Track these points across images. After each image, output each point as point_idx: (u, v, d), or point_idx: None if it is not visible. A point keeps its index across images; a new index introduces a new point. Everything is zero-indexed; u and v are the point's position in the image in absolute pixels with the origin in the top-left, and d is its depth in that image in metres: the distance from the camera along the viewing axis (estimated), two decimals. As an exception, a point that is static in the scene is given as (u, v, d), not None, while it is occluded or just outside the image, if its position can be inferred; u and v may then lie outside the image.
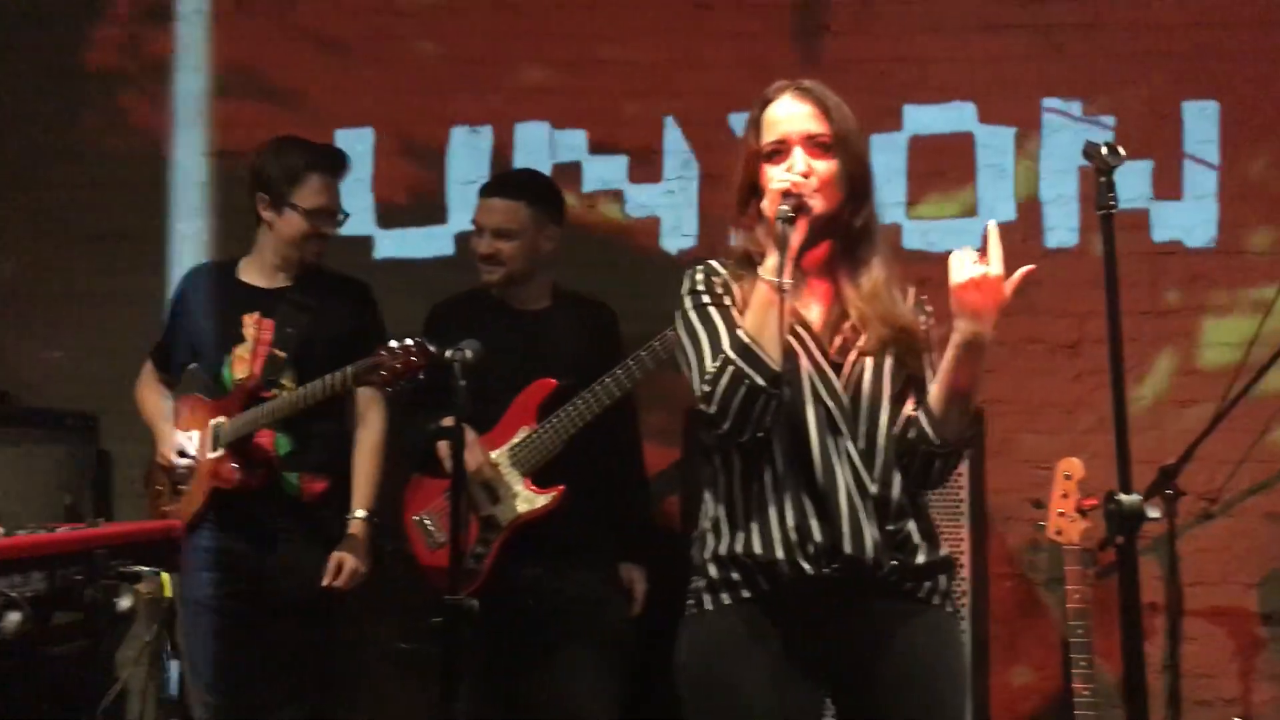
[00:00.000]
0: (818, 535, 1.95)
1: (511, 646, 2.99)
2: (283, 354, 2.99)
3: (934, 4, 3.67)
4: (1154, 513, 1.72)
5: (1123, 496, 1.71)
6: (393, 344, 2.73)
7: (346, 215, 3.15)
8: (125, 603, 2.37)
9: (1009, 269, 1.92)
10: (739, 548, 2.00)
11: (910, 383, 2.04)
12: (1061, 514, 3.07)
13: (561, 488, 2.94)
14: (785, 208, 1.93)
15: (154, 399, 3.21)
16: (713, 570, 2.04)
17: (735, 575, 2.02)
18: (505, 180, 3.15)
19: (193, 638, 2.86)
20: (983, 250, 1.91)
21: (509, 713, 3.02)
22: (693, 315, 2.06)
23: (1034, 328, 3.58)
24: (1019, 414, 3.56)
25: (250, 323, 3.04)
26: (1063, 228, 3.62)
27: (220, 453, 2.98)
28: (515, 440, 2.97)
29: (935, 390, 1.98)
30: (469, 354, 2.12)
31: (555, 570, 2.97)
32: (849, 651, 1.99)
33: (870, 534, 1.96)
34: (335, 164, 3.08)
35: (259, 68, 3.79)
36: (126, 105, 3.82)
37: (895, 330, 2.01)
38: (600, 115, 3.69)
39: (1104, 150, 1.77)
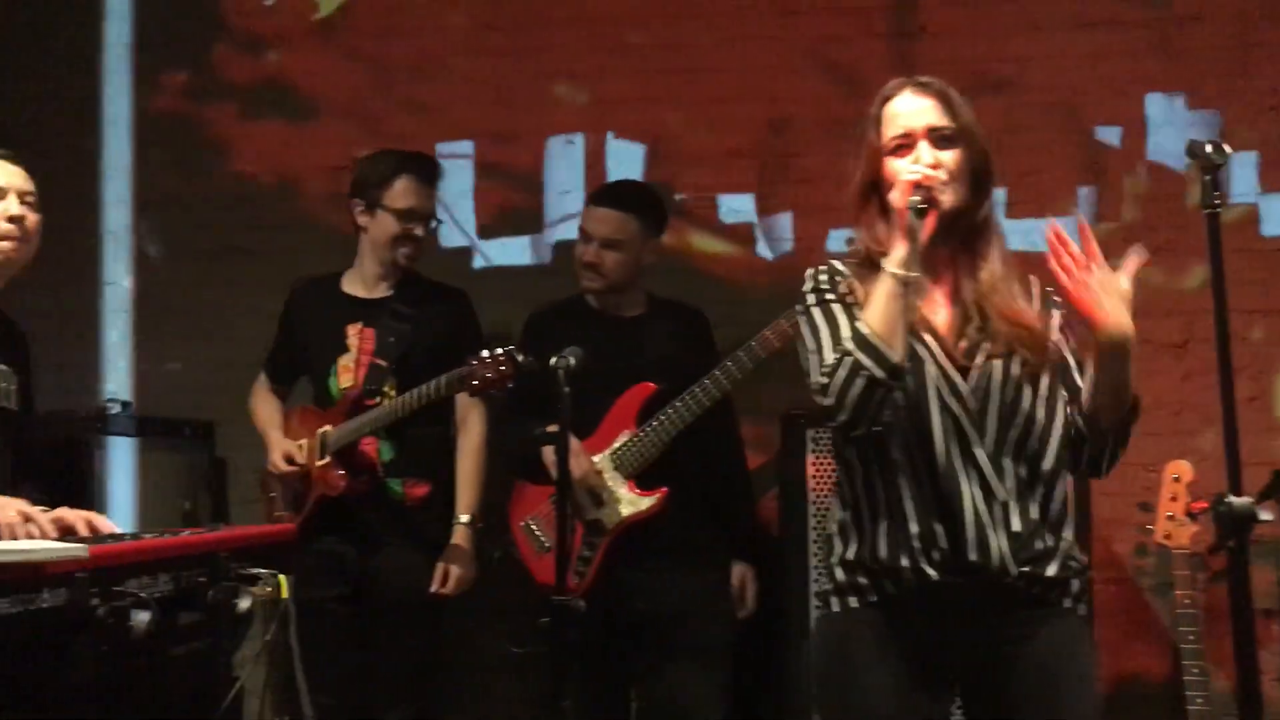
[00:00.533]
0: (943, 542, 1.96)
1: (619, 650, 3.03)
2: (385, 363, 3.07)
3: (1031, 3, 3.63)
4: (1266, 515, 1.68)
5: (1233, 499, 1.68)
6: (484, 354, 2.81)
7: (439, 221, 3.22)
8: (245, 604, 2.44)
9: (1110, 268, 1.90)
10: (865, 552, 2.02)
11: (1037, 380, 2.01)
12: (1170, 518, 3.01)
13: (664, 490, 2.97)
14: (916, 199, 1.94)
15: (266, 409, 3.33)
16: (840, 574, 2.06)
17: (862, 580, 2.03)
18: (616, 191, 3.17)
19: (304, 639, 2.96)
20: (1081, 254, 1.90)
21: (616, 715, 3.05)
22: (814, 311, 2.07)
23: (1141, 328, 3.46)
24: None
25: (353, 333, 3.14)
26: (1167, 225, 3.55)
27: (327, 460, 3.08)
28: (616, 444, 3.01)
29: (1086, 389, 1.98)
30: (572, 361, 2.16)
31: (661, 573, 2.99)
32: (977, 657, 1.99)
33: (997, 541, 1.95)
34: (425, 168, 3.16)
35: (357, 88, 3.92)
36: (249, 131, 3.96)
37: (1018, 328, 2.00)
38: (693, 123, 3.72)
39: (1208, 148, 1.74)
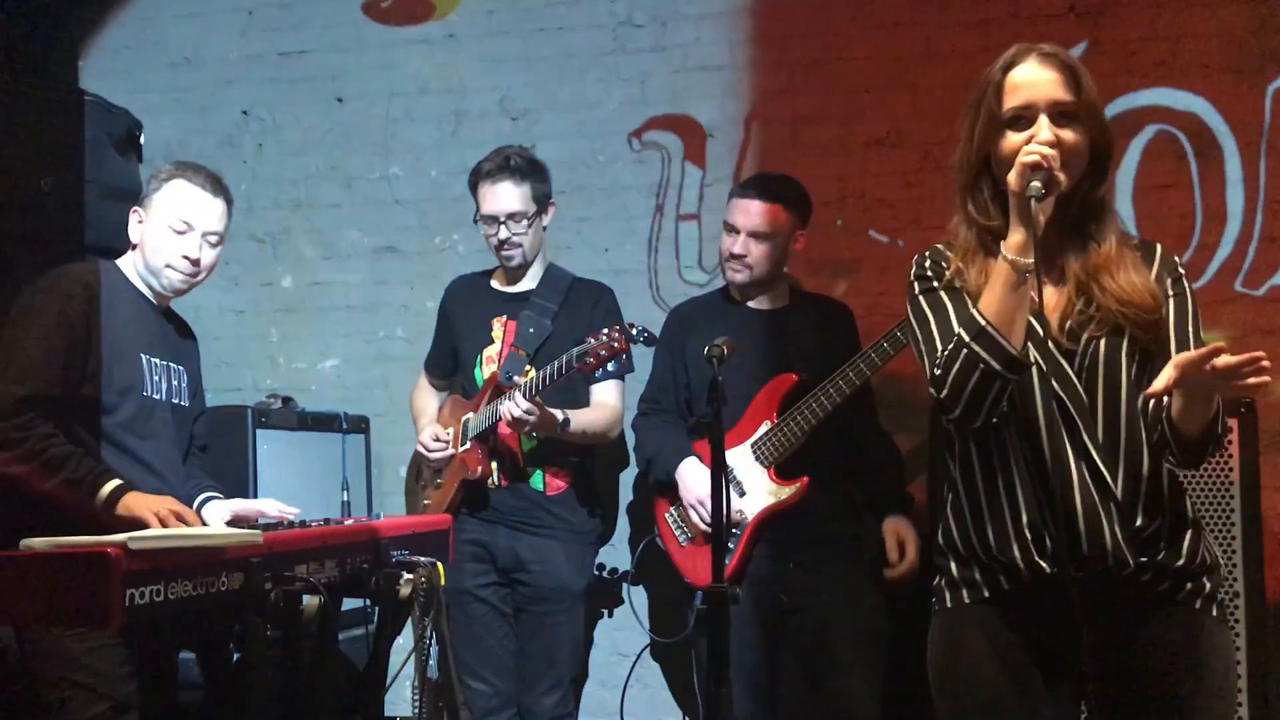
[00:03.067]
0: (1055, 535, 1.87)
1: (765, 642, 3.03)
2: (523, 351, 3.14)
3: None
4: None
5: None
6: (602, 332, 2.85)
7: (534, 213, 3.16)
8: (405, 590, 2.52)
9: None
10: (977, 544, 1.95)
11: (1149, 360, 1.91)
12: (1346, 511, 2.87)
13: (805, 479, 2.96)
14: (1037, 184, 1.82)
15: (421, 400, 3.46)
16: (953, 568, 2.00)
17: (975, 575, 1.96)
18: (764, 182, 3.14)
19: (455, 625, 3.05)
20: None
21: (766, 704, 3.05)
22: (922, 300, 1.99)
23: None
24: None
25: (499, 325, 3.23)
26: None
27: (468, 445, 3.16)
28: (758, 435, 3.01)
29: (1174, 404, 1.83)
30: (726, 350, 2.17)
31: (807, 566, 2.99)
32: (1101, 659, 1.87)
33: (1111, 533, 1.86)
34: (490, 171, 3.16)
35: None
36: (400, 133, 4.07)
37: (1129, 308, 1.89)
38: (839, 111, 3.69)
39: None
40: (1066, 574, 1.85)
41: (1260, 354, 1.69)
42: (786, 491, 2.97)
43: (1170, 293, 1.95)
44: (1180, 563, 1.90)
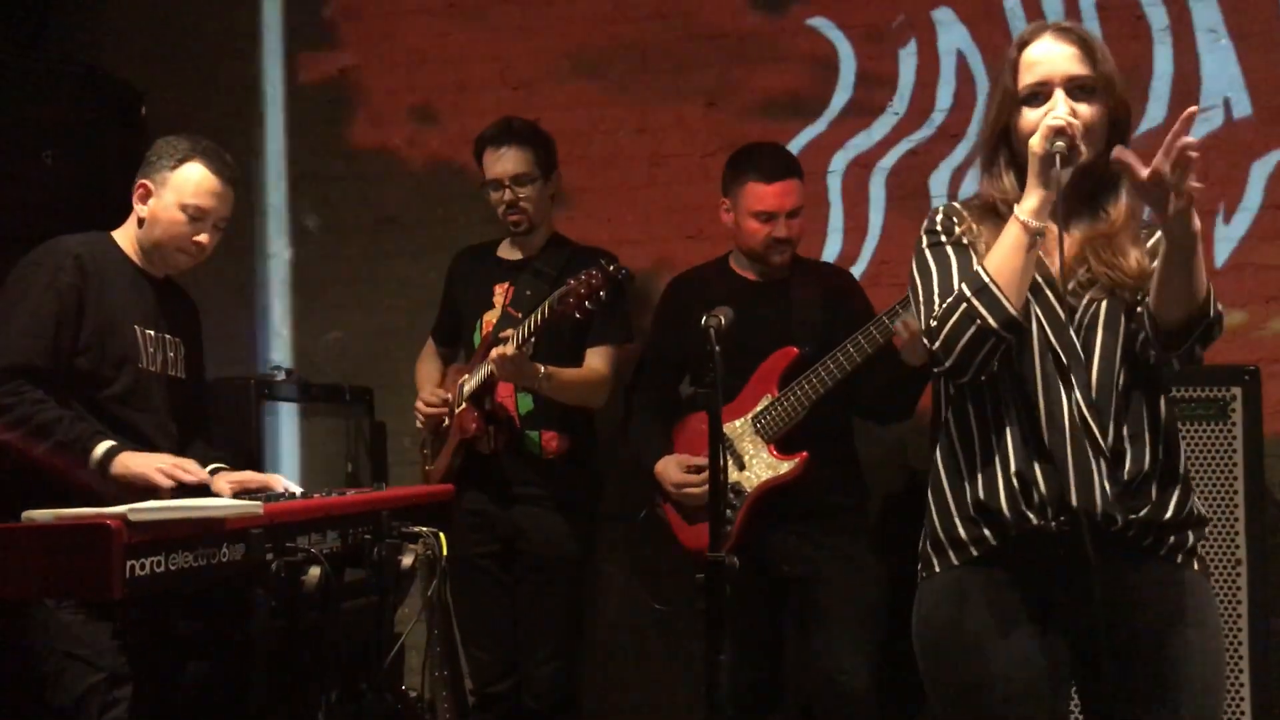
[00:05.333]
0: (1042, 485, 1.88)
1: (765, 611, 3.04)
2: (518, 314, 3.12)
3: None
4: None
5: None
6: (580, 273, 2.85)
7: (534, 178, 3.19)
8: (408, 561, 2.52)
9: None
10: (964, 499, 1.95)
11: (1140, 322, 1.92)
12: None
13: (805, 454, 2.96)
14: (1061, 144, 1.84)
15: (426, 368, 3.48)
16: (939, 527, 2.00)
17: (961, 533, 1.96)
18: (778, 159, 3.08)
19: (458, 594, 3.06)
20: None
21: (766, 675, 3.07)
22: (928, 253, 2.01)
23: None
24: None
25: (500, 291, 3.24)
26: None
27: (463, 406, 3.17)
28: (758, 408, 3.01)
29: (1153, 284, 1.86)
30: (723, 320, 2.16)
31: (804, 537, 3.00)
32: (1088, 612, 1.86)
33: (1101, 485, 1.87)
34: (496, 136, 3.21)
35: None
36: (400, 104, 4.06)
37: (1131, 276, 1.91)
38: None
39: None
40: (1056, 526, 1.86)
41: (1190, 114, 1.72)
42: (786, 466, 2.98)
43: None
44: (1167, 516, 1.91)
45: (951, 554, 1.97)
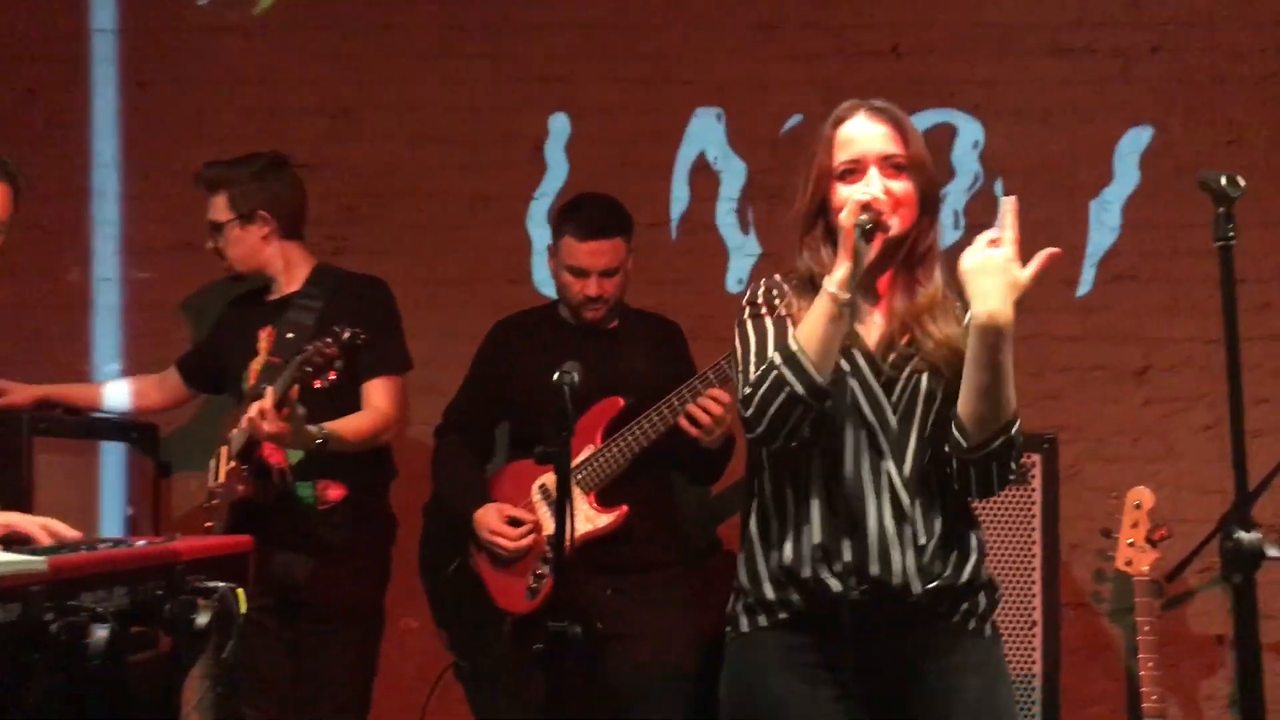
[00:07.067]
0: (846, 554, 1.95)
1: (576, 667, 2.96)
2: (279, 359, 2.96)
3: (1002, 27, 3.65)
4: (1274, 552, 1.67)
5: (1242, 534, 1.67)
6: (317, 340, 2.71)
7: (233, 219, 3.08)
8: (203, 619, 2.34)
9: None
10: (771, 564, 2.01)
11: (953, 400, 1.98)
12: (1131, 544, 3.04)
13: (624, 508, 2.93)
14: (865, 219, 1.92)
15: (139, 383, 3.40)
16: (748, 589, 2.05)
17: (770, 595, 2.01)
18: (601, 218, 3.04)
19: (238, 650, 2.85)
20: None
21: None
22: (748, 324, 2.06)
23: (1102, 354, 3.55)
24: (1087, 441, 3.52)
25: (264, 336, 3.08)
26: (1132, 252, 3.59)
27: (233, 464, 3.00)
28: (579, 459, 2.96)
29: (961, 390, 1.92)
30: (575, 376, 2.11)
31: (622, 591, 2.96)
32: (885, 679, 1.97)
33: (900, 557, 1.94)
34: (201, 179, 3.12)
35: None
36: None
37: (944, 348, 1.99)
38: (665, 134, 3.68)
39: (1223, 180, 1.73)
40: (857, 594, 1.93)
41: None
42: (605, 519, 2.93)
43: None
44: (962, 581, 1.99)
45: (760, 616, 2.02)
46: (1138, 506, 3.07)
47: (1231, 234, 1.72)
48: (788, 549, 1.99)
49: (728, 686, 2.06)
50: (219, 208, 3.09)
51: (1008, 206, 1.89)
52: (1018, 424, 1.93)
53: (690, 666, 2.97)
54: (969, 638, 2.00)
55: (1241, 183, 1.73)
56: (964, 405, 1.92)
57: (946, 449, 1.95)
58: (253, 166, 3.12)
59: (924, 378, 1.99)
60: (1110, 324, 3.54)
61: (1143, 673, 2.95)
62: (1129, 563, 3.04)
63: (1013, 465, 1.95)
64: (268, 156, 3.16)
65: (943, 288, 2.03)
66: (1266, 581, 3.31)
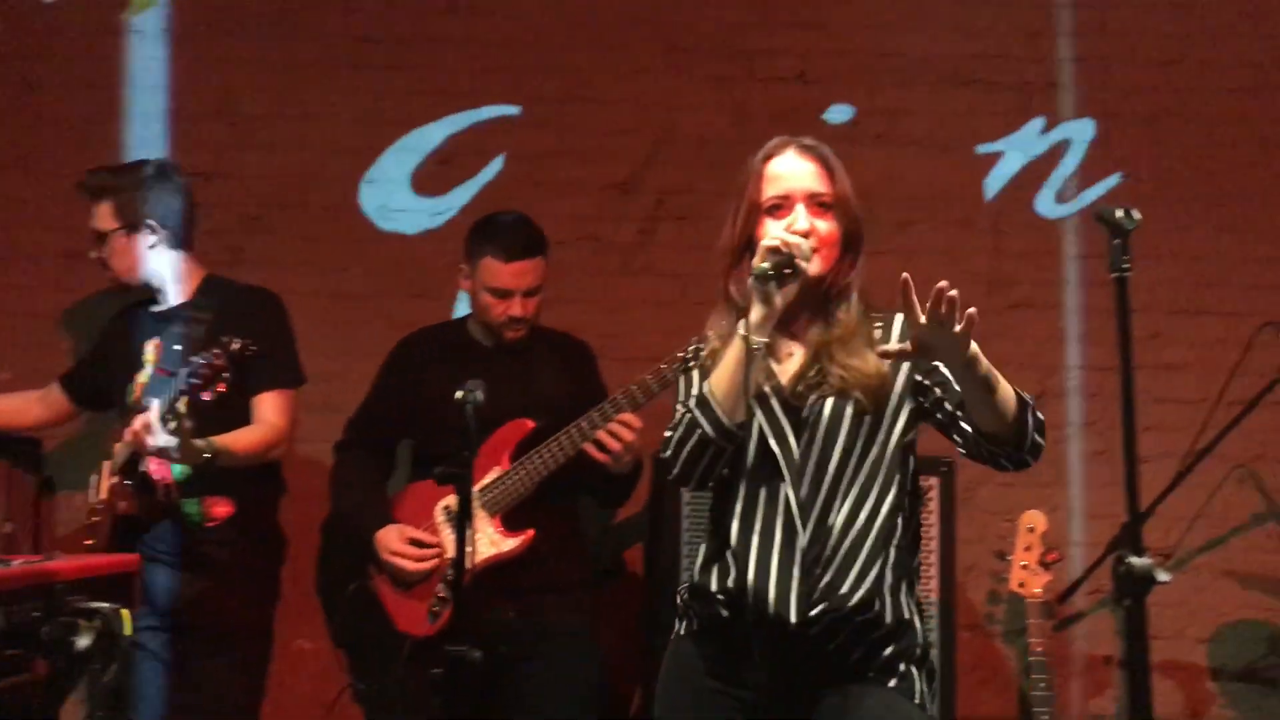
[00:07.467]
0: (730, 581, 2.01)
1: (478, 691, 2.92)
2: (165, 372, 2.88)
3: (907, 58, 3.72)
4: (1164, 576, 1.71)
5: (1133, 559, 1.71)
6: (204, 352, 2.64)
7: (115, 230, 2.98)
8: (84, 641, 2.25)
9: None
10: (696, 575, 2.11)
11: (877, 425, 2.01)
12: (1024, 566, 3.10)
13: (531, 532, 2.89)
14: (765, 265, 1.92)
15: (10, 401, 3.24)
16: (685, 595, 2.14)
17: (695, 605, 2.10)
18: (521, 238, 2.99)
19: (122, 673, 2.75)
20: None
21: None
22: (680, 378, 2.15)
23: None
24: (981, 466, 3.56)
25: (151, 349, 2.98)
26: (1026, 281, 3.68)
27: (115, 480, 2.90)
28: (486, 480, 2.91)
29: (972, 415, 1.95)
30: (480, 395, 2.08)
31: (526, 615, 2.91)
32: (787, 709, 1.99)
33: (779, 583, 1.97)
34: (83, 186, 3.02)
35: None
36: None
37: (853, 374, 2.00)
38: (578, 152, 3.67)
39: (1119, 213, 1.78)
40: (739, 620, 1.99)
41: (940, 285, 1.80)
42: (511, 543, 2.89)
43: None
44: (849, 607, 1.97)
45: (686, 622, 2.12)
46: (1031, 530, 3.13)
47: (1127, 265, 1.77)
48: (700, 565, 2.10)
49: (658, 685, 2.14)
50: (104, 216, 2.98)
51: (907, 288, 1.84)
52: (1029, 399, 1.93)
53: (595, 691, 2.94)
54: (862, 686, 1.98)
55: (1137, 215, 1.78)
56: (972, 413, 1.93)
57: (964, 449, 2.00)
58: (139, 174, 3.01)
59: (829, 402, 2.00)
60: (1006, 351, 3.60)
61: (1034, 693, 3.00)
62: (1022, 585, 3.10)
63: (1031, 432, 1.94)
64: (156, 164, 3.06)
65: (858, 320, 2.05)
66: (1152, 603, 3.50)
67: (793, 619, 1.96)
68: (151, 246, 2.99)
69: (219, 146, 3.32)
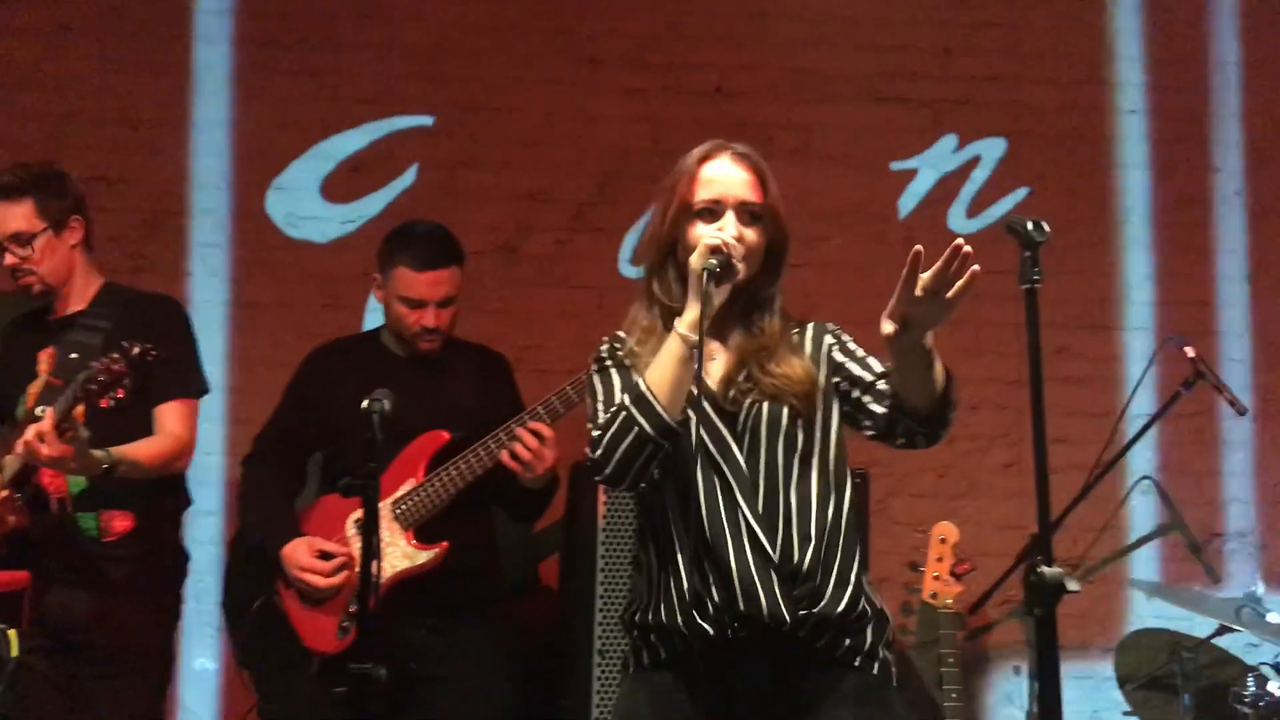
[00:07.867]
0: (716, 598, 1.95)
1: (386, 710, 2.85)
2: (60, 380, 2.76)
3: (822, 75, 3.76)
4: (1074, 586, 1.73)
5: (1045, 569, 1.72)
6: (103, 357, 2.56)
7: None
8: (-33, 664, 2.15)
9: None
10: (650, 616, 2.01)
11: (811, 425, 2.02)
12: (937, 577, 3.13)
13: (444, 545, 2.83)
14: (714, 262, 1.93)
15: None
16: (635, 633, 2.06)
17: (652, 638, 2.02)
18: (435, 247, 2.94)
19: (8, 697, 2.63)
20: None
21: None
22: (595, 378, 2.09)
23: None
24: (895, 477, 3.62)
25: (44, 358, 2.87)
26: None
27: (4, 493, 2.76)
28: (399, 493, 2.85)
29: (902, 388, 1.94)
30: (387, 405, 2.02)
31: (439, 631, 2.86)
32: (766, 715, 1.96)
33: (767, 592, 1.93)
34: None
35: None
36: None
37: (783, 380, 2.01)
38: (495, 161, 3.63)
39: (1029, 225, 1.79)
40: (732, 635, 1.92)
41: (958, 242, 1.77)
42: (424, 556, 2.83)
43: (831, 345, 2.08)
44: (838, 612, 1.97)
45: (644, 655, 2.03)
46: (943, 541, 3.16)
47: (1037, 278, 1.78)
48: (662, 598, 2.00)
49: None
50: (22, 216, 2.85)
51: (916, 260, 1.81)
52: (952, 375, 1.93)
53: (508, 709, 2.89)
54: (853, 674, 1.98)
55: (1047, 228, 1.79)
56: (899, 381, 1.92)
57: (881, 414, 1.97)
58: (53, 171, 2.90)
59: (764, 406, 2.00)
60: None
61: (946, 704, 3.03)
62: (934, 595, 3.13)
63: (951, 397, 1.93)
64: (49, 164, 2.94)
65: (780, 329, 2.05)
66: (1060, 614, 3.55)
67: (787, 624, 1.93)
68: (74, 245, 2.90)
69: (117, 150, 3.22)
